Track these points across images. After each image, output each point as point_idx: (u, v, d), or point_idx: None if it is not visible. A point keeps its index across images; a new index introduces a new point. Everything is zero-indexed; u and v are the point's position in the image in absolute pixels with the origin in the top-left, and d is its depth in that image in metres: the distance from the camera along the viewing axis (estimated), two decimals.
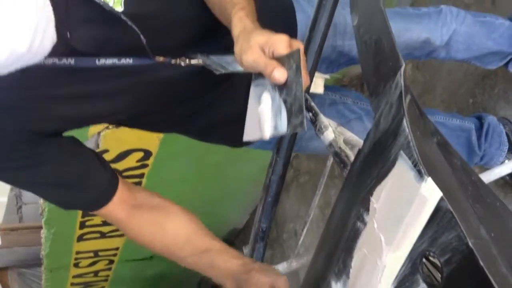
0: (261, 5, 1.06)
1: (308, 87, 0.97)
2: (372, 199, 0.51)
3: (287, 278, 0.83)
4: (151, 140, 2.29)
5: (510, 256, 0.44)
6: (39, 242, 3.48)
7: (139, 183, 2.60)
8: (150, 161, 2.44)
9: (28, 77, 0.74)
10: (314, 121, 0.92)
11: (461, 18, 1.27)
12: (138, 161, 2.41)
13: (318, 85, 1.22)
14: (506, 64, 1.42)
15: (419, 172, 0.44)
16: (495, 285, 0.38)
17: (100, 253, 3.24)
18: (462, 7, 1.76)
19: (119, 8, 0.79)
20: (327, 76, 1.23)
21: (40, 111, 0.83)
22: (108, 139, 2.18)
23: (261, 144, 1.23)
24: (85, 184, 0.92)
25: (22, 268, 5.26)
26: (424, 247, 0.44)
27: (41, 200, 2.62)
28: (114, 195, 0.93)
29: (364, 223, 0.53)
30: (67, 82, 0.82)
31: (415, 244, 0.45)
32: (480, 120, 1.48)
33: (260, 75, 0.71)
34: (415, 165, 0.45)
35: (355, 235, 0.54)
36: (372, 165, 0.54)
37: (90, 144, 2.23)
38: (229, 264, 0.88)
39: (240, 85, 1.03)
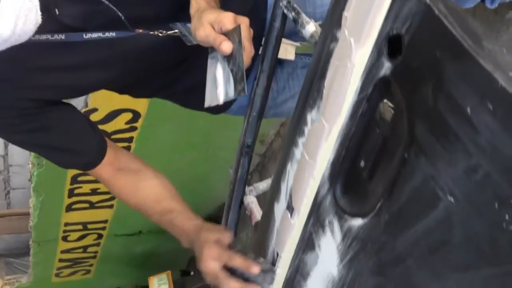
0: None
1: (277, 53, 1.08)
2: (344, 13, 0.55)
3: (230, 233, 0.94)
4: (140, 100, 2.31)
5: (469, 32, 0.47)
6: (27, 229, 3.47)
7: (128, 148, 2.62)
8: (139, 124, 2.46)
9: (26, 51, 0.87)
10: (296, 19, 0.96)
11: None
12: (126, 123, 2.43)
13: (289, 52, 1.32)
14: (483, 0, 1.46)
15: None
16: (449, 28, 0.42)
17: (88, 226, 3.24)
18: None
19: None
20: (298, 44, 1.33)
21: (37, 81, 0.96)
22: (97, 98, 2.20)
23: (238, 109, 1.29)
24: (80, 149, 1.06)
25: (10, 258, 5.18)
26: (387, 30, 0.48)
27: (29, 165, 2.63)
28: (103, 159, 1.07)
29: (336, 40, 0.56)
30: (60, 54, 0.95)
31: (380, 30, 0.49)
32: None
33: (213, 48, 0.84)
34: None
35: (328, 57, 0.58)
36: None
37: (79, 102, 2.25)
38: (185, 224, 1.00)
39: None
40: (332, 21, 0.59)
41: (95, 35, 0.94)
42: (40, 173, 2.54)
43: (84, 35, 0.93)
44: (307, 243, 0.64)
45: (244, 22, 0.82)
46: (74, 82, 1.00)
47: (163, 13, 1.04)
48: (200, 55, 1.15)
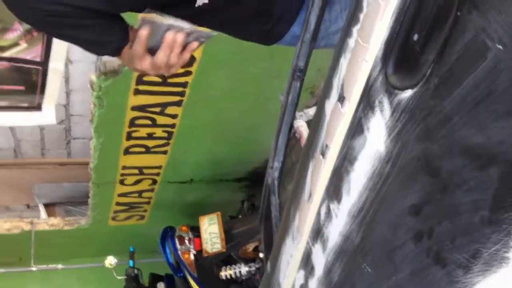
0: None
1: None
2: None
3: None
4: None
5: None
6: (86, 179, 3.66)
7: (182, 93, 2.71)
8: (193, 68, 2.53)
9: None
10: None
11: None
12: (182, 66, 2.50)
13: None
14: None
15: None
16: None
17: (144, 171, 3.40)
18: None
19: None
20: None
21: None
22: None
23: (292, 39, 1.30)
24: (110, 39, 1.15)
25: (69, 206, 5.43)
26: None
27: (91, 105, 2.76)
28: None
29: None
30: None
31: None
32: None
33: None
34: None
35: None
36: None
37: None
38: None
39: None
40: None
41: None
42: (101, 114, 2.67)
43: None
44: (356, 129, 0.67)
45: None
46: None
47: None
48: None
